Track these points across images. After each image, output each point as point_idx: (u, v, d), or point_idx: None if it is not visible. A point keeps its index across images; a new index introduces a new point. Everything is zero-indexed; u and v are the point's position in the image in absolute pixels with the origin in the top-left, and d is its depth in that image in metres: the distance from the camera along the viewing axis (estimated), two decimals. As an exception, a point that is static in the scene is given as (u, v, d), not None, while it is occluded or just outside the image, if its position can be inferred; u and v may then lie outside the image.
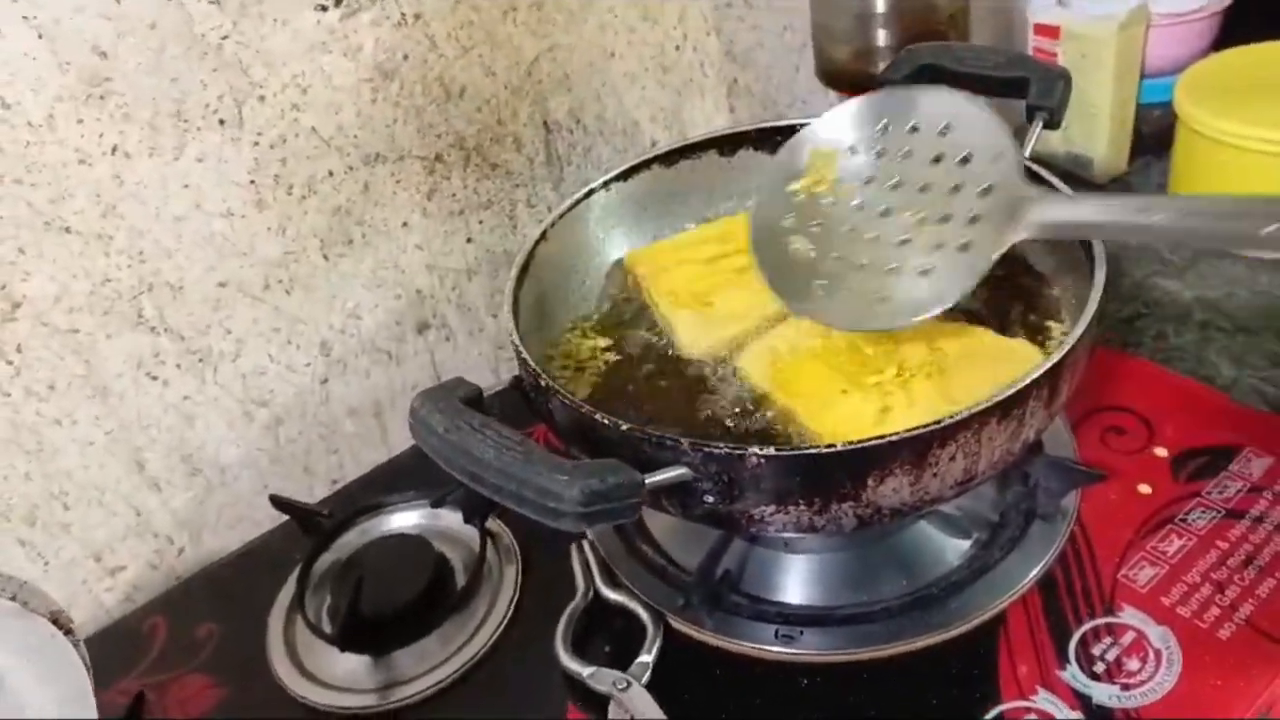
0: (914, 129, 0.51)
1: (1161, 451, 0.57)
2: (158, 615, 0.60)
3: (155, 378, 0.60)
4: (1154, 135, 0.87)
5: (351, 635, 0.53)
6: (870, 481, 0.42)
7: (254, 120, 0.59)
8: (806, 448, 0.41)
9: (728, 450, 0.41)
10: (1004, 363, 0.46)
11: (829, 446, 0.41)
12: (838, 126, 0.54)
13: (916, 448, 0.41)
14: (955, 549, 0.54)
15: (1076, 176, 0.89)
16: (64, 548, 0.60)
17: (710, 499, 0.43)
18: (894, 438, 0.41)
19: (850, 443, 0.41)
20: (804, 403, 0.48)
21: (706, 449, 0.42)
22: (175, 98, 0.56)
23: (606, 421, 0.44)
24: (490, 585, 0.57)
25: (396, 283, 0.68)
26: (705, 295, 0.55)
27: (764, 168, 0.60)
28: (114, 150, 0.55)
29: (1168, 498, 0.54)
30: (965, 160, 0.49)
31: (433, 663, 0.53)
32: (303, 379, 0.66)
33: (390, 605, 0.54)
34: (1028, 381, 0.42)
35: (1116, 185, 0.88)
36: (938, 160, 0.50)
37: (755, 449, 0.41)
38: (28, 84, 0.51)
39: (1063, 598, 0.50)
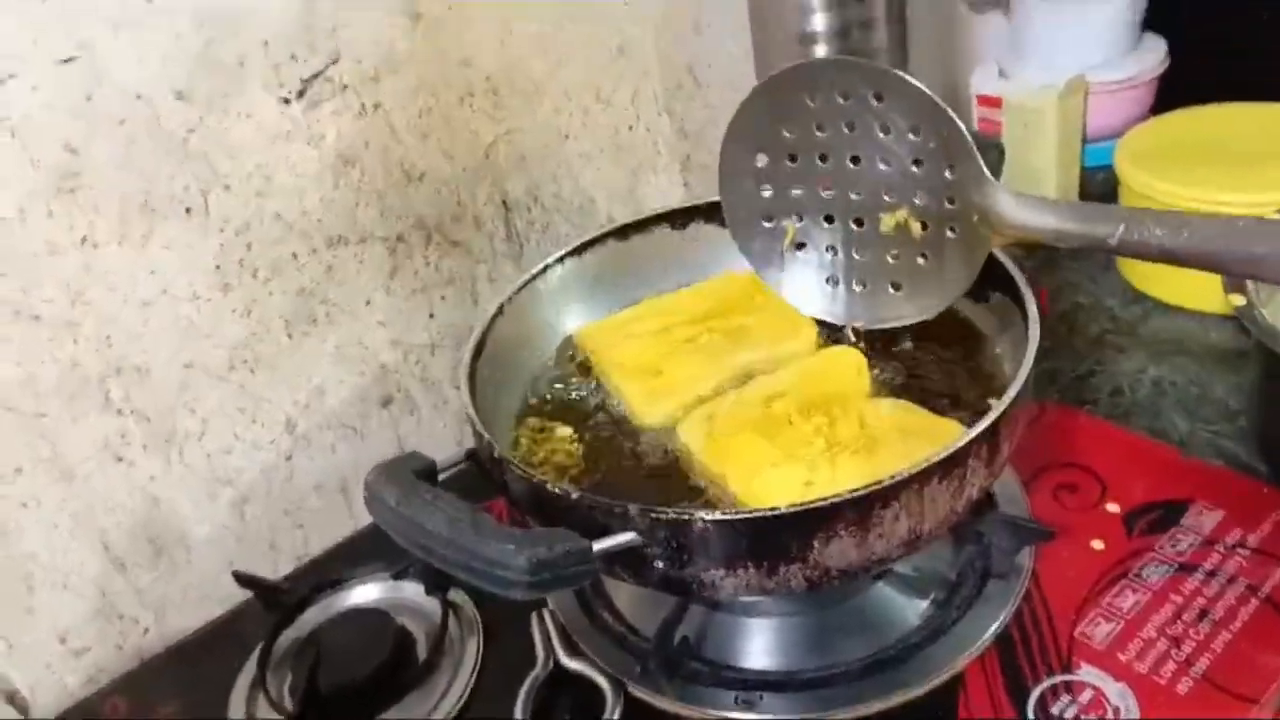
0: (845, 96, 0.50)
1: (1114, 507, 0.58)
2: (118, 696, 0.59)
3: (121, 459, 0.61)
4: (1099, 197, 0.89)
5: (310, 713, 0.52)
6: (816, 543, 0.43)
7: (219, 208, 0.60)
8: (750, 511, 0.42)
9: (674, 515, 0.42)
10: (936, 440, 0.46)
11: (772, 509, 0.42)
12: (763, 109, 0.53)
13: (860, 508, 0.42)
14: (914, 609, 0.54)
15: (1027, 241, 0.91)
16: (28, 629, 0.60)
17: (660, 564, 0.44)
18: (836, 499, 0.42)
19: (794, 505, 0.42)
20: (734, 470, 0.49)
21: (653, 514, 0.42)
22: (143, 189, 0.57)
23: (556, 490, 0.45)
24: (452, 657, 0.57)
25: (360, 359, 0.70)
26: (655, 365, 0.57)
27: (715, 238, 0.63)
28: (83, 241, 0.56)
29: (1121, 553, 0.55)
30: (915, 130, 0.49)
31: (395, 739, 0.53)
32: (268, 456, 0.67)
33: (349, 680, 0.54)
34: (966, 440, 0.43)
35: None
36: (886, 130, 0.50)
37: (701, 513, 0.42)
38: (-1, 179, 0.53)
39: (1020, 656, 0.51)
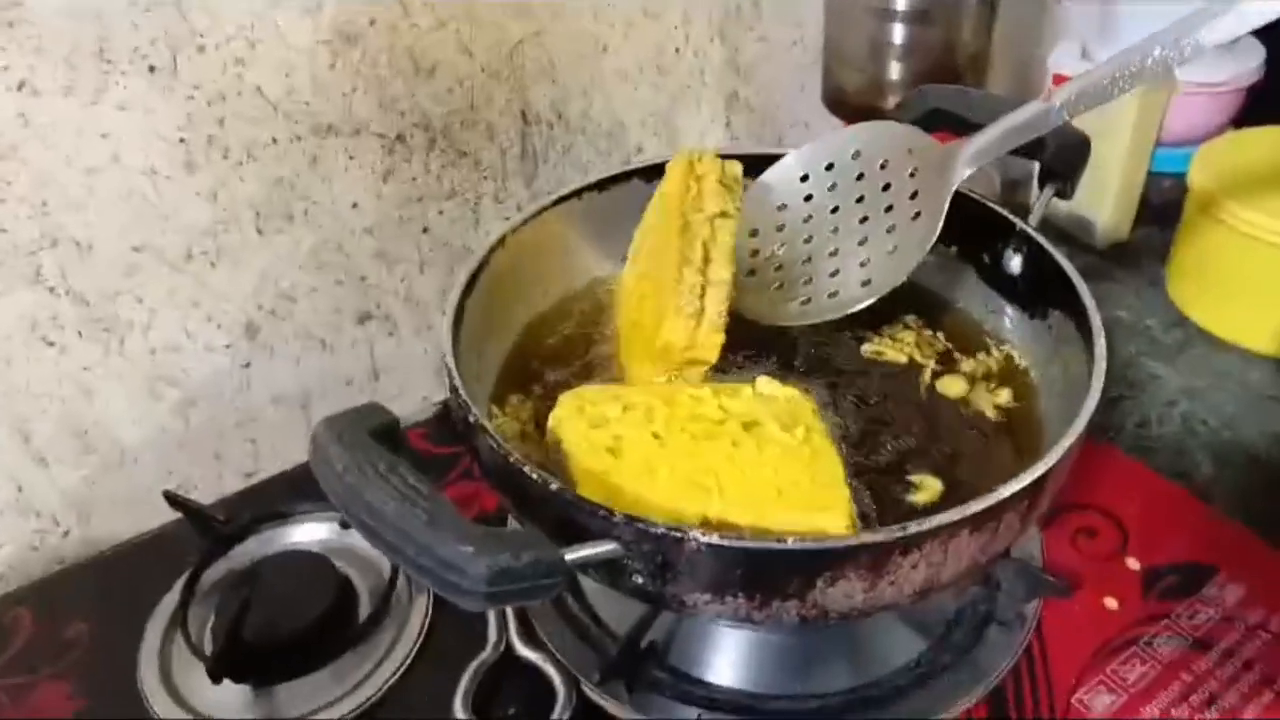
0: (829, 166, 0.52)
1: (1134, 563, 0.53)
2: (24, 606, 0.54)
3: (51, 343, 0.54)
4: (1162, 206, 0.83)
5: (229, 662, 0.47)
6: (820, 583, 0.37)
7: (190, 72, 0.52)
8: (756, 540, 0.36)
9: (665, 530, 0.36)
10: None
11: (779, 541, 0.36)
12: (765, 190, 0.54)
13: (876, 553, 0.37)
14: (906, 644, 0.50)
15: (1074, 239, 0.85)
16: (-71, 516, 0.54)
17: (639, 579, 0.38)
18: (853, 541, 0.36)
19: (803, 539, 0.37)
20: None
21: (641, 525, 0.37)
22: (99, 35, 0.49)
23: (535, 476, 0.39)
24: (397, 619, 0.52)
25: (340, 266, 0.63)
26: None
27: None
28: (20, 85, 0.48)
29: (1135, 616, 0.50)
30: (884, 165, 0.51)
31: (322, 701, 0.48)
32: (221, 360, 0.60)
33: (279, 632, 0.49)
34: (1008, 493, 0.37)
35: (1116, 252, 0.84)
36: (860, 178, 0.51)
37: (698, 533, 0.36)
38: (-78, -1, 0.45)
39: (1010, 716, 0.46)
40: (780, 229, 0.53)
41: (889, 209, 0.50)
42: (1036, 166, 0.53)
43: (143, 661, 0.50)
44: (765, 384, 0.47)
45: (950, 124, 0.56)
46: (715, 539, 0.36)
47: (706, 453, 0.42)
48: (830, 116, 0.75)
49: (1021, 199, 0.83)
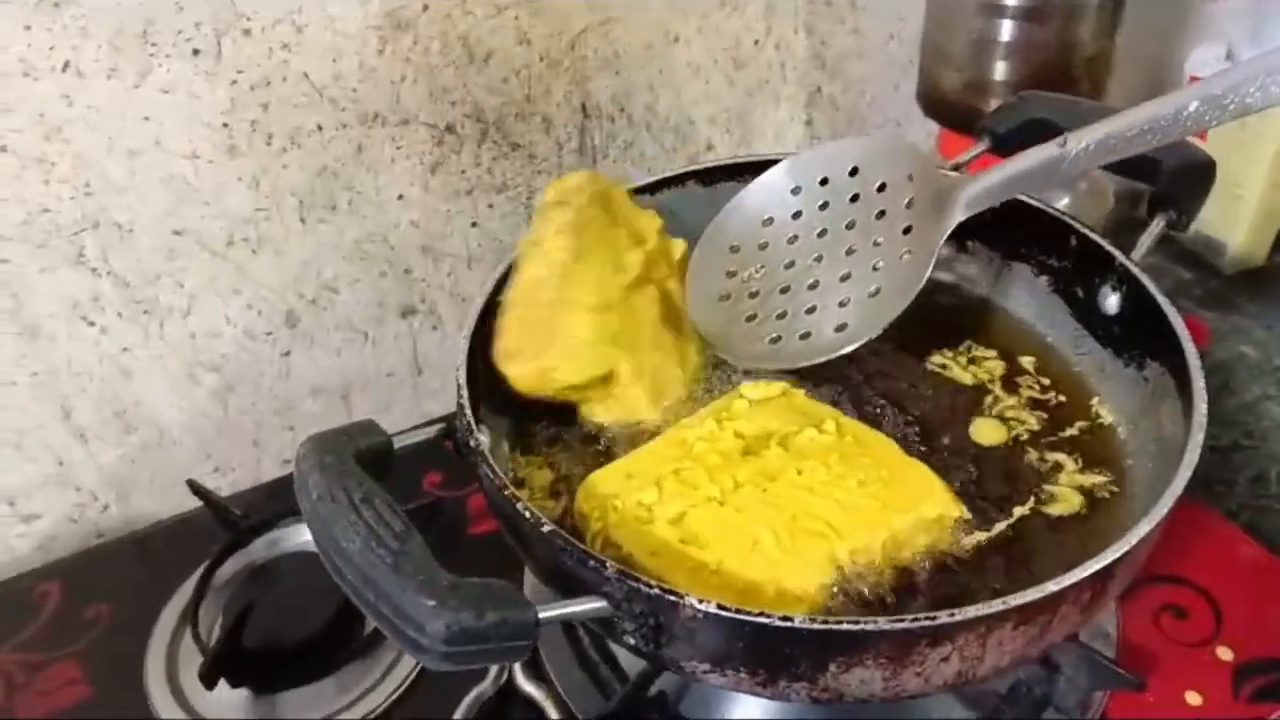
0: (824, 181, 0.48)
1: (1226, 654, 0.46)
2: (55, 580, 0.54)
3: (92, 324, 0.54)
4: (1301, 229, 0.73)
5: (227, 665, 0.46)
6: (833, 667, 0.33)
7: (235, 55, 0.51)
8: (758, 613, 0.32)
9: (659, 592, 0.33)
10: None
11: (785, 618, 0.32)
12: (753, 199, 0.49)
13: (899, 641, 0.32)
14: (949, 715, 0.44)
15: (1202, 261, 0.76)
16: (-27, 486, 0.55)
17: (632, 639, 0.34)
18: (870, 627, 0.32)
19: (814, 619, 0.32)
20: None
21: (633, 582, 0.33)
22: (144, 17, 0.48)
23: (527, 515, 0.35)
24: (403, 635, 0.50)
25: (384, 259, 0.61)
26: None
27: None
28: (65, 67, 0.48)
29: (1221, 717, 0.43)
30: (881, 188, 0.46)
31: (321, 711, 0.47)
32: (261, 347, 0.59)
33: (281, 636, 0.48)
34: (1061, 586, 0.32)
35: (1247, 279, 0.75)
36: (855, 199, 0.47)
37: (693, 599, 0.32)
38: (-32, -22, 0.44)
39: (1059, 820, 0.41)
40: (763, 248, 0.48)
41: (877, 244, 0.45)
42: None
43: (150, 655, 0.49)
44: (750, 388, 0.45)
45: (1051, 137, 0.50)
46: (713, 607, 0.32)
47: (786, 497, 0.39)
48: (926, 120, 0.69)
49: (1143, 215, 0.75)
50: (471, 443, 0.39)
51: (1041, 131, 0.49)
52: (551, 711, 0.45)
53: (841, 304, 0.45)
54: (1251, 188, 0.72)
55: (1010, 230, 0.49)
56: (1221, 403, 0.65)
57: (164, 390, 0.58)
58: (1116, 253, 0.45)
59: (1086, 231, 0.46)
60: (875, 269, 0.45)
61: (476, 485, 0.55)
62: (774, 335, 0.46)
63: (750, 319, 0.47)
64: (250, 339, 0.59)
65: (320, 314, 0.60)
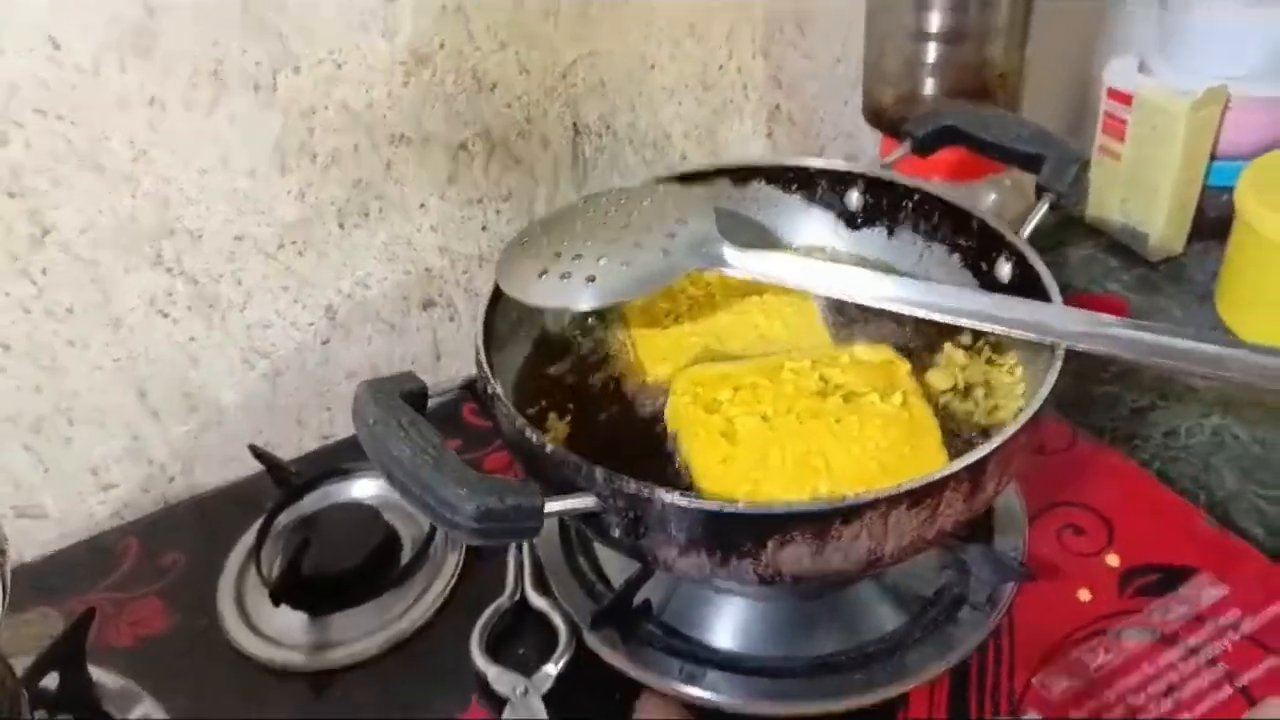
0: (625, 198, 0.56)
1: (1114, 560, 0.55)
2: (133, 536, 0.64)
3: (166, 315, 0.64)
4: (1219, 220, 0.82)
5: (288, 591, 0.56)
6: (770, 545, 0.42)
7: (287, 88, 0.61)
8: (708, 503, 0.42)
9: (635, 489, 0.42)
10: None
11: (729, 504, 0.42)
12: None
13: (818, 520, 0.41)
14: (886, 617, 0.54)
15: (1128, 250, 0.86)
16: (64, 458, 0.65)
17: (617, 532, 0.44)
18: (791, 508, 0.41)
19: (751, 504, 0.42)
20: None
21: (616, 483, 0.43)
22: (216, 58, 0.59)
23: (532, 438, 0.45)
24: (432, 567, 0.59)
25: (408, 259, 0.71)
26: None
27: (773, 201, 0.63)
28: (151, 101, 0.58)
29: (1106, 609, 0.53)
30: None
31: (365, 630, 0.56)
32: (305, 336, 0.70)
33: (330, 568, 0.57)
34: (942, 474, 0.42)
35: (1169, 266, 0.84)
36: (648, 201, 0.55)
37: (663, 492, 0.42)
38: (78, 29, 0.55)
39: (971, 691, 0.50)
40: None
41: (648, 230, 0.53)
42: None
43: (221, 587, 0.59)
44: (862, 350, 0.52)
45: (963, 141, 0.60)
46: (677, 498, 0.42)
47: (812, 433, 0.47)
48: (873, 131, 0.80)
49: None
50: (489, 389, 0.49)
51: (953, 136, 0.60)
52: (557, 619, 0.54)
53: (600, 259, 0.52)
54: (1165, 183, 0.81)
55: (928, 219, 0.60)
56: (1141, 371, 0.74)
57: (223, 374, 0.68)
58: (1007, 232, 0.55)
59: (984, 217, 0.56)
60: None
61: (491, 446, 0.66)
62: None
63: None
64: (295, 329, 0.69)
65: (354, 307, 0.70)
